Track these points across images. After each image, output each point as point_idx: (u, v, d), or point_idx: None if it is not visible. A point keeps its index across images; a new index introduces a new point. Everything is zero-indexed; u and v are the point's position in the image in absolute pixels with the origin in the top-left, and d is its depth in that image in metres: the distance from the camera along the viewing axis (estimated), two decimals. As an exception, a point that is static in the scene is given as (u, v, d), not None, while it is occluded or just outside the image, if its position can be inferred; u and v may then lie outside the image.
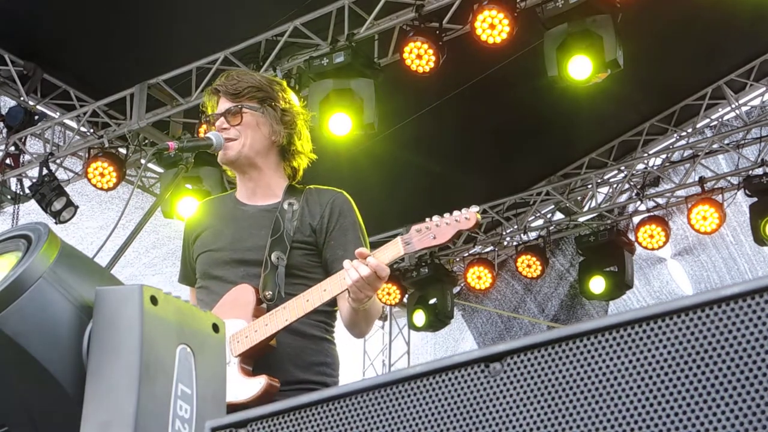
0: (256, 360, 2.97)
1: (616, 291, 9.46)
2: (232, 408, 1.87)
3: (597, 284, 9.36)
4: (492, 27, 6.68)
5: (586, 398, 1.24)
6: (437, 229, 2.84)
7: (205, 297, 3.18)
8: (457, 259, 10.65)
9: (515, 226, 10.14)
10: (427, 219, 2.87)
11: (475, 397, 1.32)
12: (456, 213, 2.84)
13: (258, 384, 2.89)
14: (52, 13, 7.36)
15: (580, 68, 6.63)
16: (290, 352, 3.05)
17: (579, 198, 10.02)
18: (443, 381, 1.36)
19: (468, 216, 2.83)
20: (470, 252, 10.62)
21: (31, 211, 8.57)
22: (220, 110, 3.26)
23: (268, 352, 3.00)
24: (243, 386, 2.89)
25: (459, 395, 1.34)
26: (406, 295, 10.37)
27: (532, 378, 1.28)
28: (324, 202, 3.22)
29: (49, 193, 8.26)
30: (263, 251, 3.12)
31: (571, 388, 1.25)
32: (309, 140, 3.37)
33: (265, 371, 2.95)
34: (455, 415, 1.33)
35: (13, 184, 8.73)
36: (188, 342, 1.85)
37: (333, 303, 3.08)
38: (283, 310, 2.96)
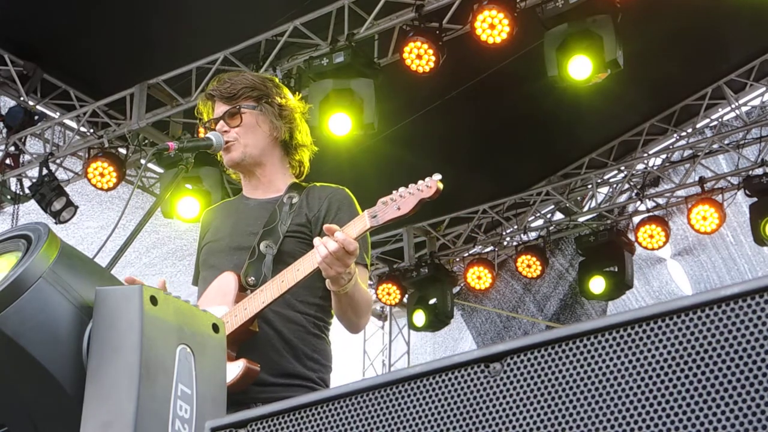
0: (240, 345, 2.97)
1: (616, 291, 9.46)
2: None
3: (597, 284, 9.36)
4: (492, 27, 6.67)
5: (586, 398, 1.24)
6: (401, 200, 2.84)
7: (202, 287, 3.23)
8: (457, 259, 10.65)
9: (515, 226, 10.14)
10: (393, 191, 2.87)
11: (475, 397, 1.32)
12: (419, 182, 2.84)
13: (237, 368, 2.90)
14: (51, 13, 7.36)
15: (580, 68, 6.63)
16: (279, 341, 3.06)
17: (579, 198, 10.01)
18: (443, 381, 1.36)
19: (429, 184, 2.82)
20: (470, 252, 10.62)
21: (31, 211, 8.56)
22: (217, 114, 3.28)
23: (251, 337, 3.00)
24: None
25: (459, 395, 1.34)
26: (406, 295, 10.36)
27: (532, 378, 1.28)
28: (323, 196, 3.25)
29: (49, 193, 8.25)
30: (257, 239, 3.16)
31: (571, 388, 1.25)
32: (308, 133, 3.42)
33: (253, 356, 2.96)
34: (455, 415, 1.33)
35: (13, 184, 8.72)
36: (188, 342, 1.85)
37: (327, 297, 3.09)
38: (260, 293, 2.98)
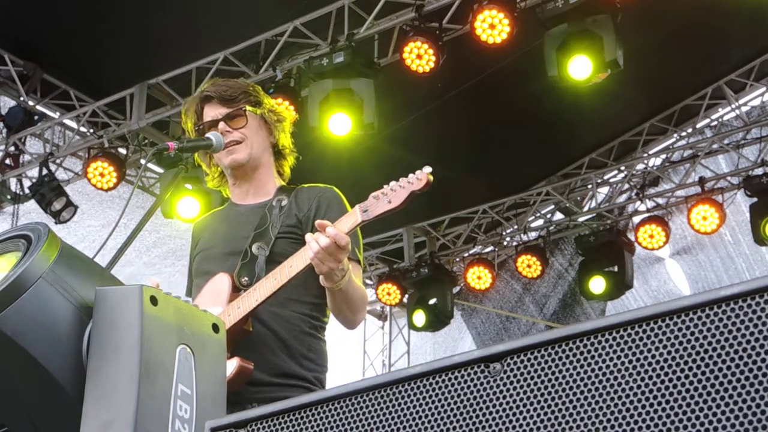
0: (234, 345, 2.96)
1: (616, 291, 9.46)
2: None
3: (597, 284, 9.36)
4: (492, 27, 6.68)
5: (586, 398, 1.24)
6: (392, 194, 2.84)
7: (196, 293, 3.22)
8: (457, 259, 10.65)
9: (515, 226, 10.14)
10: (384, 185, 2.87)
11: (475, 397, 1.32)
12: (410, 175, 2.85)
13: (230, 366, 2.89)
14: (51, 13, 7.36)
15: (580, 68, 6.63)
16: (274, 340, 3.06)
17: (579, 198, 10.02)
18: (443, 381, 1.36)
19: (420, 177, 2.83)
20: (470, 252, 10.62)
21: (31, 211, 8.57)
22: (216, 116, 3.27)
23: (245, 337, 3.00)
24: None
25: (459, 395, 1.34)
26: (406, 295, 10.36)
27: (532, 378, 1.29)
28: (312, 195, 3.26)
29: (49, 193, 8.25)
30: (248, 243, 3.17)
31: (571, 388, 1.25)
32: (290, 139, 3.45)
33: (248, 355, 2.96)
34: (455, 415, 1.33)
35: (13, 184, 8.73)
36: (188, 342, 1.85)
37: (322, 295, 3.09)
38: (253, 291, 2.98)
